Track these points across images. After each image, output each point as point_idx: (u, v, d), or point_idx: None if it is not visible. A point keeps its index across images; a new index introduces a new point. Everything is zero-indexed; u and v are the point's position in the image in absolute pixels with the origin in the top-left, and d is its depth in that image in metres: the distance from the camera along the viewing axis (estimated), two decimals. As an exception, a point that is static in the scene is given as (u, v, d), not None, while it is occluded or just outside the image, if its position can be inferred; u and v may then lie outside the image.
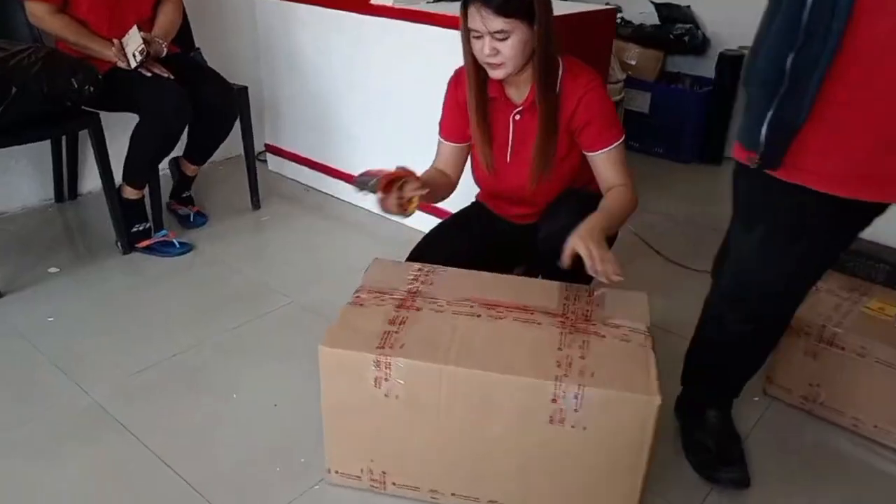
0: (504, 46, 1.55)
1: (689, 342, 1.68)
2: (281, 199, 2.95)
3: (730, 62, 3.29)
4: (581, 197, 1.72)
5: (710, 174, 3.48)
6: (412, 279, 1.60)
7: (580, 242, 1.43)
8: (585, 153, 1.70)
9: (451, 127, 1.81)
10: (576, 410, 1.31)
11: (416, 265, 1.67)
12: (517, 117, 1.70)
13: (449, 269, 1.66)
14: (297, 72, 2.92)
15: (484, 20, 1.52)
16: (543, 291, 1.57)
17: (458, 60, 1.70)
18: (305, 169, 3.07)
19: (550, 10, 1.58)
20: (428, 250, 1.81)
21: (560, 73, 1.64)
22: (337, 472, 1.52)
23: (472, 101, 1.70)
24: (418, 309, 1.49)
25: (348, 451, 1.50)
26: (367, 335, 1.41)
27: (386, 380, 1.37)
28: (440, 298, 1.53)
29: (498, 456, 1.41)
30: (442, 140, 1.85)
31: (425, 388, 1.37)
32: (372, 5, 2.51)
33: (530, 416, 1.34)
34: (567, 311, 1.49)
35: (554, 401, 1.31)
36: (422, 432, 1.42)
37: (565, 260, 1.45)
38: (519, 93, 1.70)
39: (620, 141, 1.67)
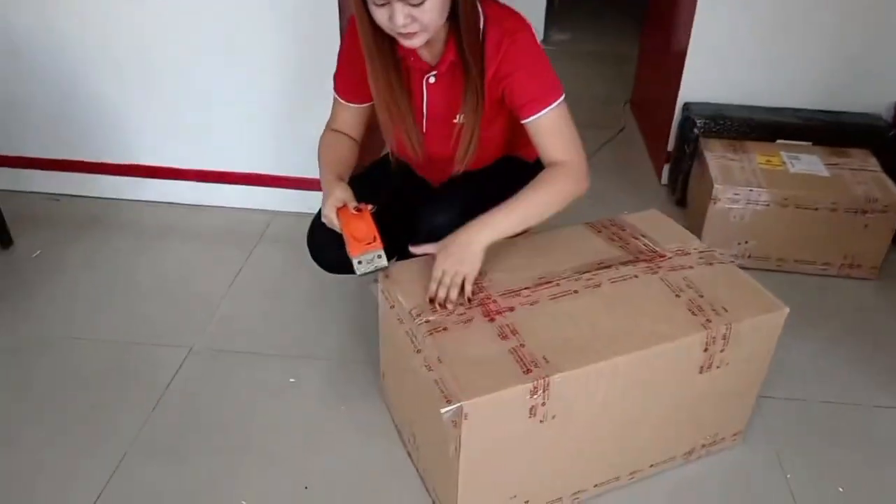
0: (421, 12, 1.19)
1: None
2: (32, 224, 2.12)
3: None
4: (487, 177, 1.48)
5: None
6: (457, 275, 1.31)
7: (438, 262, 1.26)
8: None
9: (351, 86, 1.46)
10: (722, 351, 1.25)
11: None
12: (431, 80, 1.39)
13: None
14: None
15: None
16: (591, 240, 1.44)
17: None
18: (40, 174, 2.24)
19: None
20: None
21: (482, 22, 1.30)
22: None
23: (378, 69, 1.34)
24: (511, 309, 1.24)
25: (485, 501, 1.24)
26: (499, 364, 1.13)
27: (543, 404, 1.13)
28: (517, 288, 1.29)
29: (645, 427, 1.30)
30: (340, 100, 1.50)
31: (582, 395, 1.17)
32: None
33: (684, 374, 1.25)
34: (637, 253, 1.39)
35: (706, 349, 1.23)
36: (575, 442, 1.23)
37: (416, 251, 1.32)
38: (432, 52, 1.36)
39: (556, 103, 1.32)
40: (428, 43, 1.29)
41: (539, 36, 3.85)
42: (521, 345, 1.17)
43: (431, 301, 1.25)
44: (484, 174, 1.50)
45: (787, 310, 1.29)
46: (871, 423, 1.52)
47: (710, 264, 1.37)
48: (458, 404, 1.06)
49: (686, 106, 2.24)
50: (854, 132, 2.12)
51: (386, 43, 1.32)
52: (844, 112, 2.19)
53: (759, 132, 2.14)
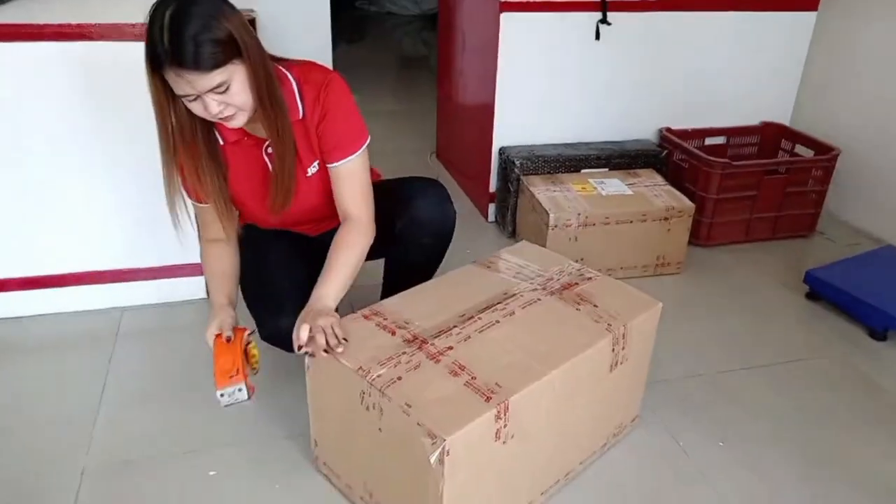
0: (230, 97, 1.29)
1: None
2: None
3: None
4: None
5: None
6: (388, 327, 1.39)
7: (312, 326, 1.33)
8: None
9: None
10: (623, 348, 1.47)
11: (359, 314, 1.45)
12: (269, 150, 1.48)
13: (384, 303, 1.49)
14: None
15: (192, 83, 1.23)
16: (486, 276, 1.60)
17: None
18: None
19: (251, 31, 1.31)
20: (274, 299, 1.54)
21: (294, 87, 1.43)
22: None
23: (209, 164, 1.44)
24: (450, 348, 1.34)
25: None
26: (462, 398, 1.22)
27: (505, 426, 1.25)
28: (447, 328, 1.39)
29: (575, 429, 1.46)
30: (200, 205, 1.55)
31: (532, 411, 1.30)
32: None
33: (599, 375, 1.44)
34: (531, 282, 1.56)
35: (613, 349, 1.44)
36: (526, 457, 1.35)
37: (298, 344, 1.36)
38: (259, 126, 1.44)
39: (361, 150, 1.47)
40: (252, 119, 1.39)
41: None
42: (472, 377, 1.27)
43: (326, 351, 1.31)
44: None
45: (661, 304, 1.54)
46: (721, 386, 1.84)
47: (590, 279, 1.59)
48: (443, 443, 1.14)
49: (502, 150, 2.52)
50: (637, 156, 2.54)
51: (200, 135, 1.40)
52: (626, 140, 2.63)
53: (567, 165, 2.47)
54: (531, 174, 2.44)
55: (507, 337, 1.38)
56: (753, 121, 2.81)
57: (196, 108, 1.30)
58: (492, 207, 2.64)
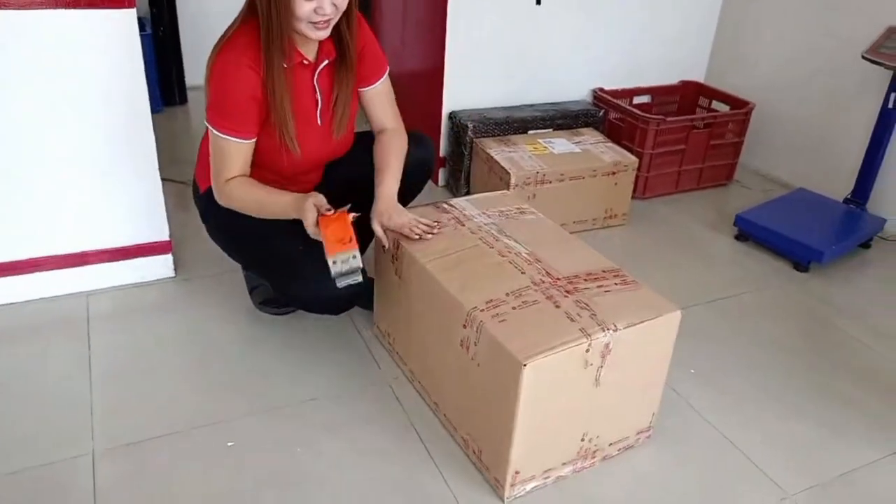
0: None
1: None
2: None
3: (165, 4, 3.17)
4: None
5: (182, 113, 3.39)
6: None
7: (390, 223, 1.60)
8: (359, 90, 1.66)
9: (250, 122, 1.52)
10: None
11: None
12: (317, 76, 1.57)
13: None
14: None
15: None
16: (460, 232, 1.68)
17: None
18: None
19: None
20: (296, 266, 1.58)
21: None
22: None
23: (281, 79, 1.47)
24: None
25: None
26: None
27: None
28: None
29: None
30: (241, 141, 1.52)
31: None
32: None
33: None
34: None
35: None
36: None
37: (386, 243, 1.62)
38: (309, 49, 1.53)
39: (387, 73, 1.68)
40: (306, 42, 1.49)
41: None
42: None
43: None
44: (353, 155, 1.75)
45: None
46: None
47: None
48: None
49: (452, 115, 2.59)
50: (577, 116, 2.69)
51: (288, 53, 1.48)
52: (563, 102, 2.76)
53: (515, 127, 2.58)
54: (483, 137, 2.53)
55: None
56: (673, 79, 3.03)
57: (308, 6, 1.38)
58: (442, 172, 2.72)
